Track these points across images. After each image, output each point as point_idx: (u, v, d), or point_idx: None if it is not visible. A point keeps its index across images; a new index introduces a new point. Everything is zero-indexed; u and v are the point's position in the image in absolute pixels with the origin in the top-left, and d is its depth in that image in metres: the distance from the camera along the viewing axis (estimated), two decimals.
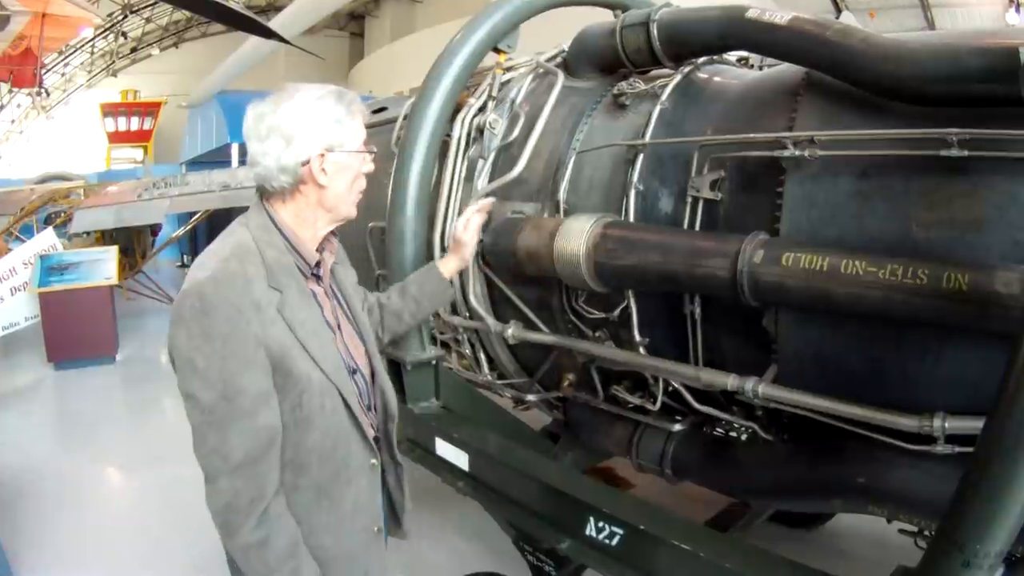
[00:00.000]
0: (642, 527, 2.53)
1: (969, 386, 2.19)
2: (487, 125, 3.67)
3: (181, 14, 33.46)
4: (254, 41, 18.84)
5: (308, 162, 2.00)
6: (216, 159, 19.81)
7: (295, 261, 2.07)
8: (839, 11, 16.02)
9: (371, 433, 2.26)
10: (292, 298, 2.01)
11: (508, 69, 3.94)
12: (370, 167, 2.17)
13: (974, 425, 2.04)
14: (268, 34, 11.47)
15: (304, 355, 1.99)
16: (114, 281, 9.99)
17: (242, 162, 18.19)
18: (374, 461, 2.22)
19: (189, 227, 14.55)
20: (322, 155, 2.01)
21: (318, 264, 2.15)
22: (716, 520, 3.75)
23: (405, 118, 3.94)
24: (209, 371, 1.84)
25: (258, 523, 1.89)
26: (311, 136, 1.99)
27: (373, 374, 2.36)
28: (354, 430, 2.13)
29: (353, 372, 2.21)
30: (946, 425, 2.15)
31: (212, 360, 1.84)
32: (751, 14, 2.69)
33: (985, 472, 1.60)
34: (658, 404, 3.19)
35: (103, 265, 9.98)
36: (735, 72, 3.30)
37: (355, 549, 2.19)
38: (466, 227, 2.87)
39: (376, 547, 2.26)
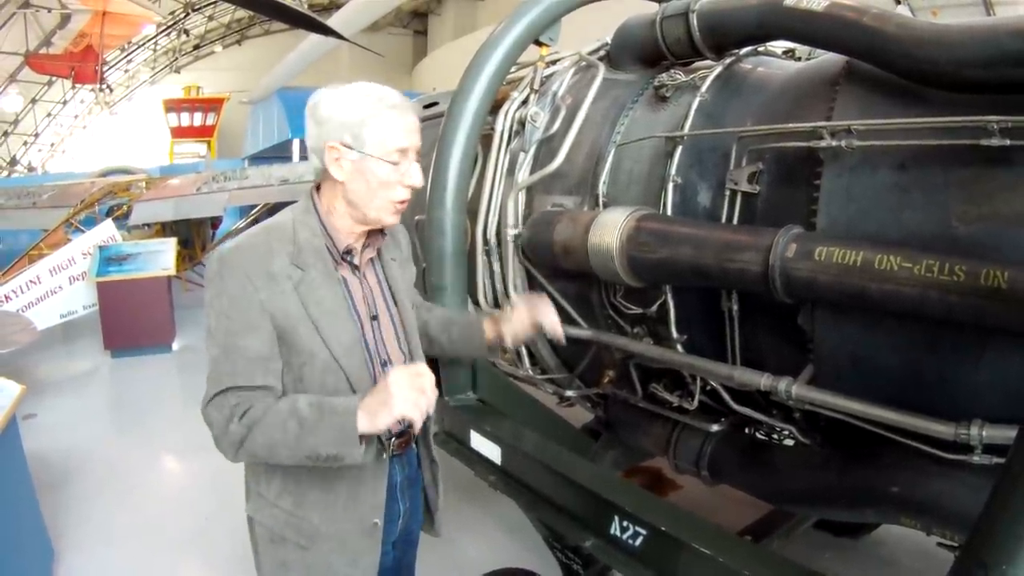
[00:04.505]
0: (664, 529, 2.48)
1: (1010, 392, 2.09)
2: (528, 118, 3.64)
3: (244, 12, 33.97)
4: (314, 39, 18.95)
5: (325, 150, 2.05)
6: (277, 155, 20.05)
7: (326, 244, 2.13)
8: (898, 3, 15.69)
9: (393, 427, 2.26)
10: (314, 277, 2.07)
11: (551, 62, 3.90)
12: (415, 181, 2.12)
13: (1013, 435, 1.94)
14: (328, 32, 11.57)
15: (312, 332, 2.05)
16: (172, 272, 10.17)
17: (303, 158, 18.41)
18: (383, 455, 2.23)
19: (249, 220, 14.71)
20: (336, 148, 2.04)
21: (349, 251, 2.17)
22: (759, 524, 3.68)
23: None
24: (217, 328, 2.00)
25: (240, 420, 1.96)
26: (334, 126, 2.03)
27: None
28: None
29: (383, 365, 2.23)
30: (983, 434, 2.04)
31: (220, 319, 2.00)
32: (789, 2, 2.61)
33: (1016, 486, 1.49)
34: (695, 403, 3.14)
35: (161, 256, 10.16)
36: (778, 63, 3.21)
37: (345, 536, 2.21)
38: (532, 313, 2.66)
39: (369, 540, 2.26)
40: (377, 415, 1.90)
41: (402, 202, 2.14)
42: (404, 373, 1.93)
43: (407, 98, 2.14)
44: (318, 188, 2.19)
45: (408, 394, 1.89)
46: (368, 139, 2.03)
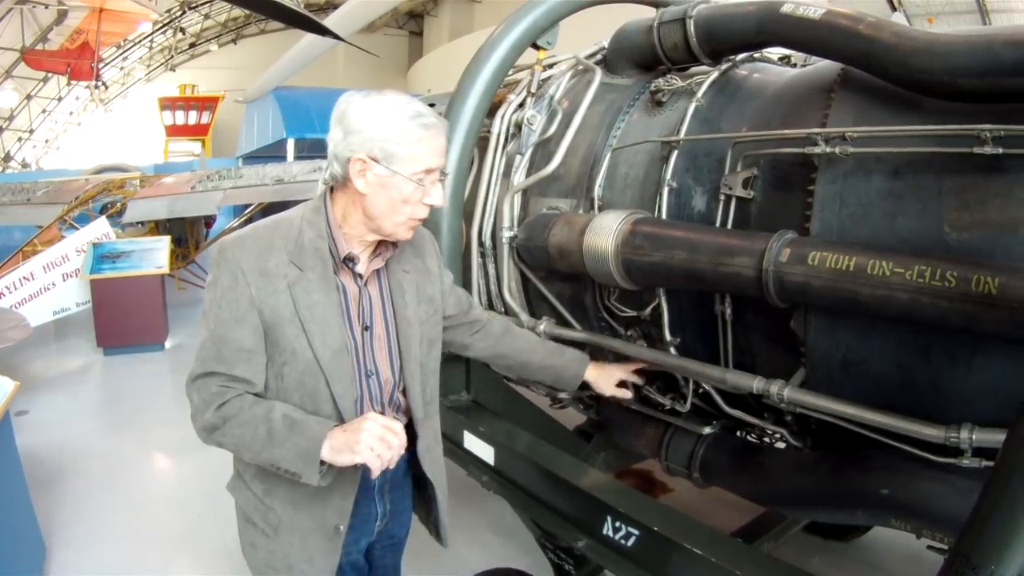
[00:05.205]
0: (656, 529, 2.49)
1: (1000, 397, 2.10)
2: (525, 121, 3.66)
3: (240, 11, 33.95)
4: (310, 38, 19.01)
5: (351, 161, 2.03)
6: (272, 154, 20.09)
7: (329, 247, 2.13)
8: (894, 11, 15.77)
9: None
10: (311, 279, 2.08)
11: (548, 66, 3.92)
12: (436, 200, 2.13)
13: (1002, 438, 1.97)
14: (324, 32, 11.59)
15: (299, 332, 2.06)
16: (165, 270, 10.16)
17: (298, 157, 18.41)
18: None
19: (243, 219, 14.68)
20: (363, 161, 2.02)
21: (351, 258, 2.16)
22: (749, 527, 3.69)
23: None
24: (209, 313, 2.06)
25: (216, 410, 2.02)
26: (363, 138, 2.01)
27: (405, 388, 2.36)
28: (337, 423, 2.12)
29: (369, 376, 2.24)
30: (973, 437, 2.06)
31: (212, 305, 2.06)
32: (786, 9, 2.63)
33: (1005, 489, 1.51)
34: (687, 405, 3.16)
35: (155, 254, 10.16)
36: (774, 70, 3.23)
37: (306, 532, 2.24)
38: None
39: (329, 543, 2.27)
40: (340, 453, 1.96)
41: (421, 219, 2.16)
42: (378, 424, 1.97)
43: (440, 116, 2.14)
44: (332, 192, 2.18)
45: (375, 444, 1.94)
46: (399, 157, 2.02)
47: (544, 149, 3.62)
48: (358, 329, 2.21)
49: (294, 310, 2.05)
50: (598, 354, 3.44)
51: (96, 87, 29.65)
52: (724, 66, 3.18)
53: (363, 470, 2.08)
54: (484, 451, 3.35)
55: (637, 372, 3.08)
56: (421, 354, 2.38)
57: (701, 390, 3.10)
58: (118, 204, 12.37)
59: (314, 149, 19.54)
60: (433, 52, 33.87)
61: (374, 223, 2.11)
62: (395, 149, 2.01)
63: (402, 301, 2.31)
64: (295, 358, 2.08)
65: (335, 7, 20.83)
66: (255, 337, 2.05)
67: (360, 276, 2.21)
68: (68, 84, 32.07)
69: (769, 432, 3.04)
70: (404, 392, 2.36)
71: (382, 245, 2.24)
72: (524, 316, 3.60)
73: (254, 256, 2.04)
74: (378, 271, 2.27)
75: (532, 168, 3.63)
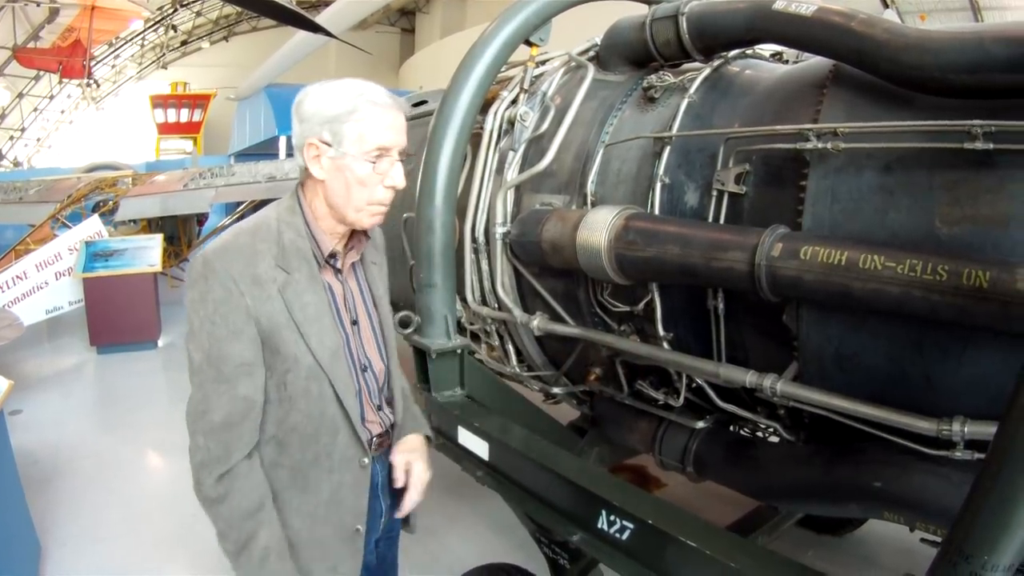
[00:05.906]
0: (651, 522, 2.50)
1: (992, 390, 2.11)
2: (518, 117, 3.67)
3: (231, 8, 33.90)
4: (303, 35, 18.95)
5: (304, 147, 2.01)
6: (264, 152, 20.03)
7: (311, 247, 2.09)
8: (886, 7, 15.81)
9: (376, 429, 2.28)
10: (299, 281, 2.04)
11: (541, 63, 3.93)
12: (396, 182, 2.06)
13: (993, 430, 1.98)
14: (316, 29, 11.60)
15: (296, 336, 2.01)
16: (158, 268, 10.15)
17: (290, 154, 18.38)
18: (365, 460, 2.21)
19: (235, 216, 14.64)
20: (315, 146, 1.99)
21: (333, 255, 2.14)
22: (743, 522, 3.71)
23: None
24: (200, 333, 1.95)
25: (218, 480, 1.96)
26: (314, 123, 1.99)
27: (390, 377, 2.36)
28: (344, 423, 2.13)
29: (364, 370, 2.23)
30: (965, 430, 2.08)
31: (204, 323, 1.95)
32: (778, 6, 2.65)
33: (996, 479, 1.53)
34: (681, 400, 3.17)
35: (148, 252, 10.13)
36: (766, 66, 3.25)
37: (326, 540, 2.19)
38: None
39: (351, 546, 2.24)
40: None
41: (383, 203, 2.09)
42: None
43: (395, 96, 2.09)
44: (303, 187, 2.14)
45: None
46: (346, 136, 1.98)
47: (537, 145, 3.63)
48: (348, 324, 2.19)
49: (288, 315, 2.00)
50: (591, 350, 3.46)
51: (88, 85, 29.53)
52: (716, 62, 3.21)
53: (373, 456, 2.17)
54: (478, 446, 3.35)
55: None
56: (396, 343, 2.39)
57: (694, 385, 3.12)
58: (110, 202, 12.31)
59: None
60: (425, 49, 33.90)
61: (338, 212, 2.08)
62: (341, 128, 1.97)
63: (378, 292, 2.33)
64: (297, 364, 2.02)
65: (327, 4, 20.78)
66: (254, 348, 1.98)
67: (340, 271, 2.19)
68: (60, 82, 31.99)
69: (762, 426, 3.06)
70: (388, 382, 2.36)
71: (354, 238, 2.21)
72: (517, 312, 3.61)
73: (242, 264, 1.97)
74: (353, 264, 2.26)
75: (525, 164, 3.65)
